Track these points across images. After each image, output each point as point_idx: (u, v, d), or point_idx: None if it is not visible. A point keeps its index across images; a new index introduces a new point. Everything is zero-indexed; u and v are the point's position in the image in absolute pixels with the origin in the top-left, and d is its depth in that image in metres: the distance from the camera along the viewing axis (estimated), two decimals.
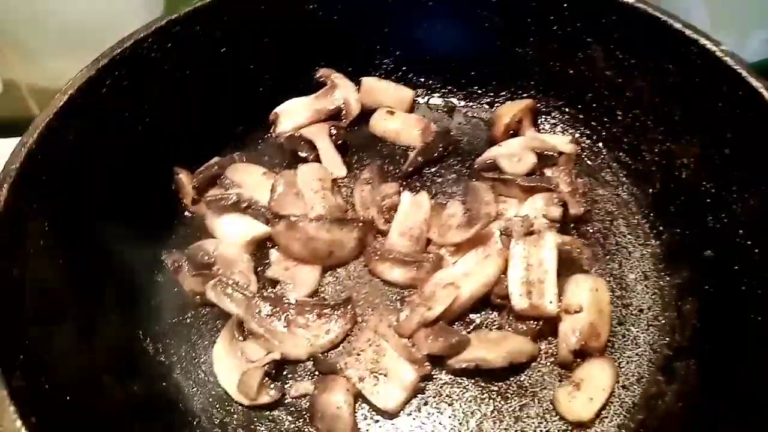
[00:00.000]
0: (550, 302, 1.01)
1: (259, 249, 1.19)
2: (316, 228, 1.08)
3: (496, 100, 1.40)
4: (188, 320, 1.12)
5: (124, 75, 1.10)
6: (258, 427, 1.01)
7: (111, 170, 1.10)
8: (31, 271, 0.91)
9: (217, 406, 1.03)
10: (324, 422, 0.97)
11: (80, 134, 1.04)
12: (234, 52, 1.25)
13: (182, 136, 1.23)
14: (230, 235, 1.18)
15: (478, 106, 1.41)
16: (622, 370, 1.04)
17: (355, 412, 1.00)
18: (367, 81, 1.38)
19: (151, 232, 1.19)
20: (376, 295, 1.12)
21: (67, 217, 1.01)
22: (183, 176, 1.23)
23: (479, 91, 1.41)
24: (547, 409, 1.01)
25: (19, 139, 0.95)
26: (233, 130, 1.32)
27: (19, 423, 0.74)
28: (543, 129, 1.37)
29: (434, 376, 1.03)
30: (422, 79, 1.43)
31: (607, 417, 1.00)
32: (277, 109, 1.34)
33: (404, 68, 1.41)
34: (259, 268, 1.16)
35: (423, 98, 1.43)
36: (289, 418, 1.01)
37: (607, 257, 1.17)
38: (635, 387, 1.03)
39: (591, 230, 1.21)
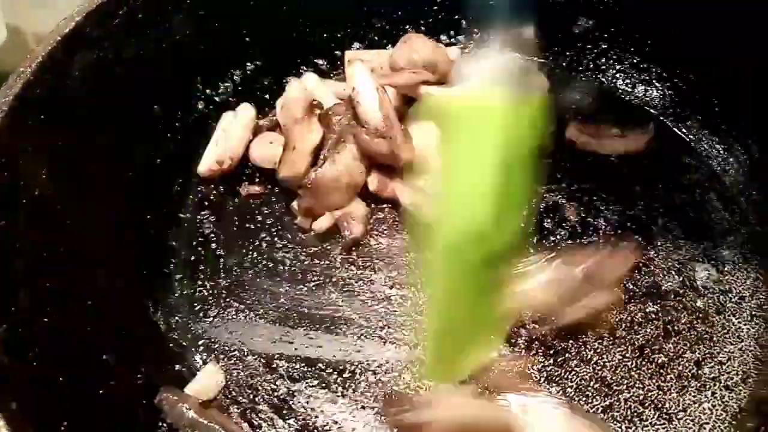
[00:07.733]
0: None
1: None
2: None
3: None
4: (205, 291, 0.97)
5: (142, 4, 0.95)
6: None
7: (121, 115, 0.95)
8: (24, 224, 0.77)
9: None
10: None
11: (87, 69, 0.89)
12: None
13: (206, 81, 1.09)
14: None
15: None
16: (724, 367, 0.88)
17: None
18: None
19: (166, 188, 1.04)
20: None
21: (67, 165, 0.86)
22: None
23: None
24: None
25: None
26: (264, 80, 1.16)
27: None
28: (613, 82, 1.19)
29: None
30: None
31: (708, 423, 0.83)
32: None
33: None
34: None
35: None
36: None
37: (699, 234, 1.00)
38: (741, 388, 0.86)
39: (677, 202, 1.04)
